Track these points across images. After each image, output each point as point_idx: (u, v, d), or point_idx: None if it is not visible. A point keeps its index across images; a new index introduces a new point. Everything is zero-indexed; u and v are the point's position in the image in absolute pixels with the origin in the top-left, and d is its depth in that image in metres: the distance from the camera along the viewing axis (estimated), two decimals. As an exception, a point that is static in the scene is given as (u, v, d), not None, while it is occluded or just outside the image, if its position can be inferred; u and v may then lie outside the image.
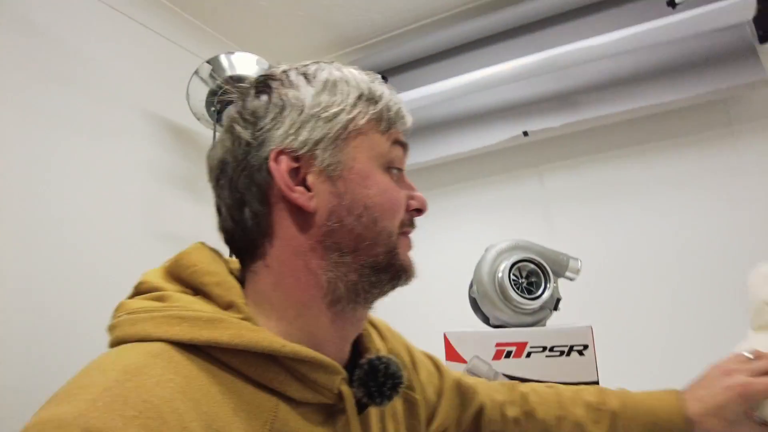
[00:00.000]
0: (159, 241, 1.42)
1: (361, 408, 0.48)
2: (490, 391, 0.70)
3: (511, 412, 0.68)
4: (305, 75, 0.49)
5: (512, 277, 0.95)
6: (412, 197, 0.52)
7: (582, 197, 1.47)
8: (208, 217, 0.54)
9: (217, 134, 1.51)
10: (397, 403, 0.58)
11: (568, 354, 0.87)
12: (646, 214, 1.39)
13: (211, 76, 1.52)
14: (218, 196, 0.50)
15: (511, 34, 1.58)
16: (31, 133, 1.16)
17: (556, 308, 0.95)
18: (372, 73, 0.53)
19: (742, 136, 1.31)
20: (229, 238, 0.50)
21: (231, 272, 0.48)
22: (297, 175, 0.47)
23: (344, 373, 0.46)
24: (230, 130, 0.49)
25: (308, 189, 0.47)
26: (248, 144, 0.47)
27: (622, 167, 1.44)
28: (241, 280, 0.49)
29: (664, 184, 1.38)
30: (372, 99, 0.50)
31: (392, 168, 0.51)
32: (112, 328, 0.42)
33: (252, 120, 0.48)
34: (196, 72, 1.50)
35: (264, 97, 0.49)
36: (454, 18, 1.61)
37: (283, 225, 0.47)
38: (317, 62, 0.51)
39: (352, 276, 0.47)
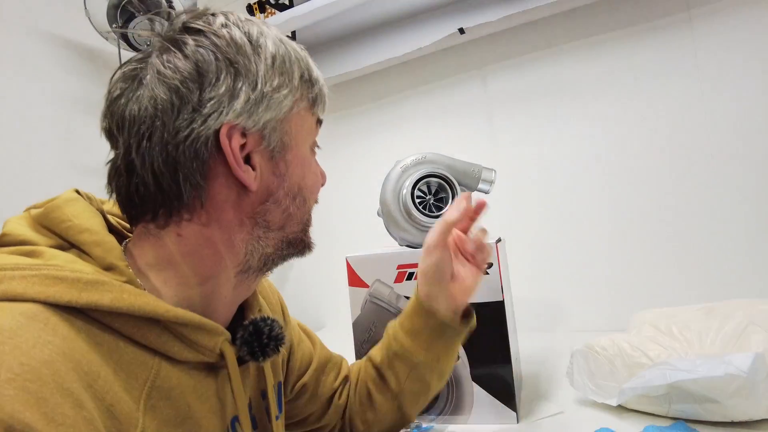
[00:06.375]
0: (77, 172, 1.34)
1: (240, 363, 0.50)
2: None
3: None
4: (249, 39, 0.46)
5: (418, 194, 0.87)
6: (321, 173, 0.56)
7: (524, 99, 1.35)
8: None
9: (123, 53, 1.38)
10: None
11: (471, 273, 0.81)
12: (596, 115, 1.27)
13: (108, -16, 1.34)
14: (137, 153, 0.44)
15: None
16: None
17: (466, 225, 0.88)
18: (301, 45, 0.52)
19: (700, 21, 1.17)
20: (138, 201, 0.45)
21: (109, 227, 0.47)
22: (242, 152, 0.46)
23: (227, 334, 0.48)
24: (165, 83, 0.43)
25: (253, 168, 0.47)
26: (194, 110, 0.43)
27: (566, 64, 1.30)
28: (120, 232, 0.49)
29: (613, 80, 1.25)
30: (310, 80, 0.51)
31: (315, 146, 0.54)
32: None
33: (197, 79, 0.44)
34: (89, -19, 1.33)
35: (204, 53, 0.44)
36: None
37: (217, 199, 0.46)
38: (251, 20, 0.49)
39: (269, 249, 0.49)
